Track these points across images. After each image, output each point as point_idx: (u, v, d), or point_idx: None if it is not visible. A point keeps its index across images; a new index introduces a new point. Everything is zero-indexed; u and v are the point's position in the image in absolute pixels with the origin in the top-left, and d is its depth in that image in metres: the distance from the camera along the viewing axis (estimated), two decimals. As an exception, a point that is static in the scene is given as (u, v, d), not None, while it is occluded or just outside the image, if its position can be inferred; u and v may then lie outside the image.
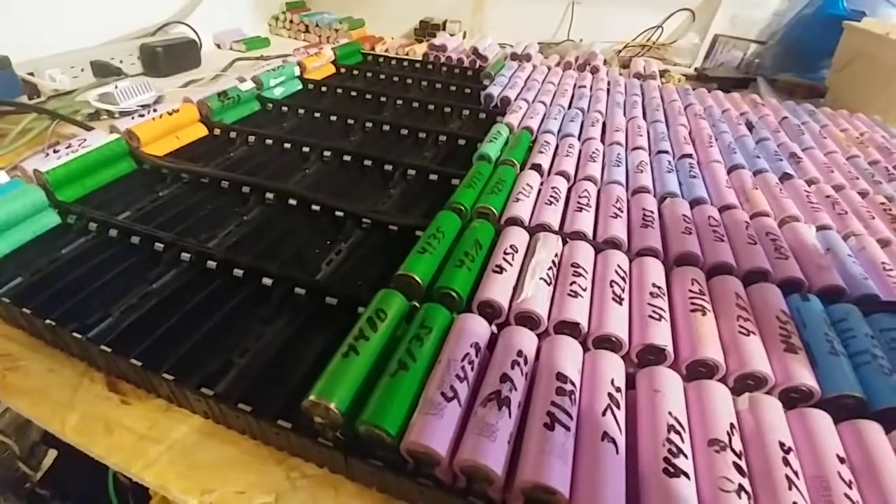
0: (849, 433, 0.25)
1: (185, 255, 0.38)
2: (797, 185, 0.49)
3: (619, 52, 1.12)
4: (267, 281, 0.36)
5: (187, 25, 1.01)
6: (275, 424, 0.26)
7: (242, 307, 0.35)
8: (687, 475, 0.21)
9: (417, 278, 0.32)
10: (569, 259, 0.35)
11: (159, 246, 0.39)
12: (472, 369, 0.26)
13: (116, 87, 0.67)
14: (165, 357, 0.30)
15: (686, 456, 0.22)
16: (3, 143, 0.58)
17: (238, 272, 0.37)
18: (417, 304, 0.31)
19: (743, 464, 0.22)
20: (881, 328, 0.32)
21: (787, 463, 0.22)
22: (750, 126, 0.64)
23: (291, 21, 1.25)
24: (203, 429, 0.29)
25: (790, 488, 0.21)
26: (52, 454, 0.66)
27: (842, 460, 0.23)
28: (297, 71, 0.76)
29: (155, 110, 0.56)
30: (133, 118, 0.54)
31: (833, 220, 0.44)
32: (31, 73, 0.72)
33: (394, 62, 0.94)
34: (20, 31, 0.77)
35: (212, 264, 0.37)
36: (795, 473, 0.22)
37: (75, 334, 0.31)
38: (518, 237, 0.37)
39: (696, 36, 1.11)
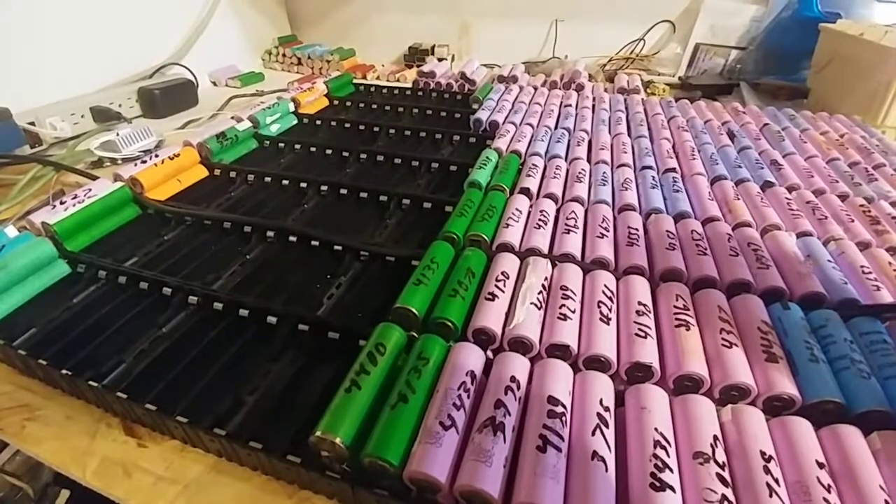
0: (828, 438, 0.26)
1: (193, 298, 0.39)
2: (778, 192, 0.51)
3: (604, 65, 1.14)
4: (272, 319, 0.37)
5: (183, 66, 1.04)
6: (284, 460, 0.28)
7: (249, 346, 0.36)
8: (672, 489, 0.23)
9: (414, 310, 0.34)
10: (558, 282, 0.37)
11: (167, 290, 0.40)
12: (468, 397, 0.28)
13: (118, 135, 0.69)
14: (178, 399, 0.31)
15: (672, 470, 0.24)
16: (11, 195, 0.60)
17: (244, 312, 0.38)
18: (416, 334, 0.33)
19: (726, 474, 0.24)
20: (860, 332, 0.33)
21: (767, 471, 0.24)
22: (732, 135, 0.66)
23: (284, 55, 1.27)
24: (217, 467, 0.31)
25: (771, 496, 0.23)
26: (65, 494, 0.67)
27: (821, 465, 0.24)
28: (291, 107, 0.78)
29: (156, 155, 0.58)
30: (136, 164, 0.56)
31: (813, 226, 0.45)
32: (32, 123, 0.74)
33: (385, 91, 0.96)
34: (19, 81, 0.78)
35: (218, 306, 0.39)
36: (776, 481, 0.23)
37: (91, 383, 0.33)
38: (509, 263, 0.39)
39: (677, 46, 1.13)
